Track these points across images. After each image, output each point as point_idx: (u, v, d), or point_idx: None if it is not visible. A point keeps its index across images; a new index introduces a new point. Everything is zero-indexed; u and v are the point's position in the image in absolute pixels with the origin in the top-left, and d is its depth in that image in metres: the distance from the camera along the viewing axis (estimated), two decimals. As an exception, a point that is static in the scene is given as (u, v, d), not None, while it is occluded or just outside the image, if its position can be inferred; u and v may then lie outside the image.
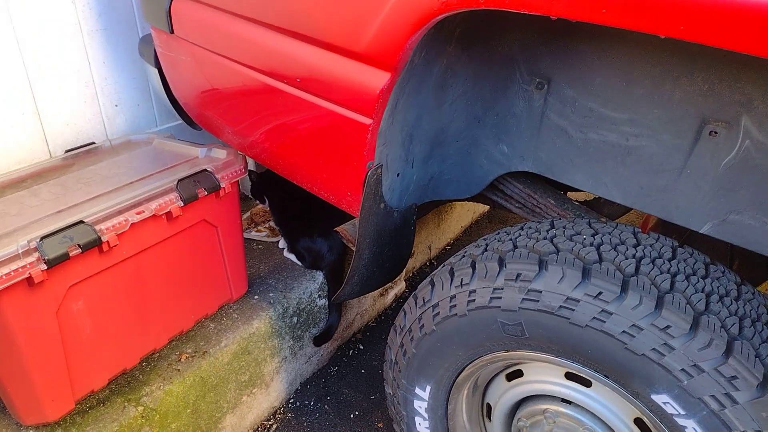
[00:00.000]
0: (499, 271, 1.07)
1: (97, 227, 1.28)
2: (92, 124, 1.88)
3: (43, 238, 1.19)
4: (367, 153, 1.18)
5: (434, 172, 1.47)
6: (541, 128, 1.32)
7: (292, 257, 1.98)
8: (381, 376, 1.99)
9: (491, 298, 1.07)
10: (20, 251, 1.15)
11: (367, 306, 2.21)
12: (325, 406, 1.87)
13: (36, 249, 1.18)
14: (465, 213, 2.90)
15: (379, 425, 1.81)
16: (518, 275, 1.04)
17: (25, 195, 1.44)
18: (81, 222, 1.26)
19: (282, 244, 2.05)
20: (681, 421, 0.92)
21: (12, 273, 1.13)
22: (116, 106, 1.93)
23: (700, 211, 1.14)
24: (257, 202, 2.13)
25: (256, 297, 1.79)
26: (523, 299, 1.03)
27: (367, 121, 1.12)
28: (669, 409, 0.92)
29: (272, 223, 2.15)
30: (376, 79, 1.06)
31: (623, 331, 0.93)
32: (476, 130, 1.42)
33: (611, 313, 0.94)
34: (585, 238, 1.06)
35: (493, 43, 1.27)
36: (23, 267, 1.15)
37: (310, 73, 1.19)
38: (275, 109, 1.33)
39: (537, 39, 1.23)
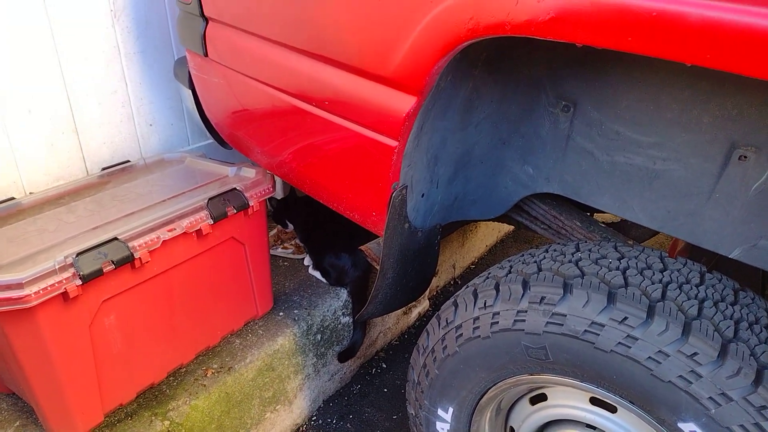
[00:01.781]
0: (523, 294, 1.07)
1: (130, 244, 1.32)
2: (128, 142, 1.95)
3: (78, 254, 1.24)
4: (393, 174, 1.20)
5: (459, 192, 1.48)
6: (566, 150, 1.32)
7: (317, 274, 2.00)
8: (403, 395, 1.98)
9: (515, 320, 1.07)
10: (57, 267, 1.19)
11: (390, 324, 2.21)
12: (348, 425, 1.87)
13: (72, 265, 1.22)
14: (490, 232, 2.89)
15: (401, 446, 1.80)
16: (542, 298, 1.04)
17: (62, 211, 1.50)
18: (115, 239, 1.30)
19: (307, 261, 2.07)
20: (709, 451, 0.90)
21: (49, 288, 1.17)
22: (151, 125, 1.99)
23: (730, 236, 1.13)
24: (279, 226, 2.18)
25: (281, 314, 1.81)
26: (548, 323, 1.02)
27: (393, 143, 1.14)
28: (697, 439, 0.90)
29: (298, 240, 2.18)
30: (403, 102, 1.08)
31: (649, 357, 0.91)
32: (501, 152, 1.43)
33: (637, 339, 0.92)
34: (611, 262, 1.05)
35: (519, 67, 1.28)
36: (59, 282, 1.19)
37: (338, 96, 1.21)
38: (303, 130, 1.36)
39: (563, 62, 1.24)
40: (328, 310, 1.87)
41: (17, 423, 1.40)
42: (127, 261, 1.30)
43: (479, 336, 1.14)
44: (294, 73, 1.30)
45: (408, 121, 1.10)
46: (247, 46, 1.41)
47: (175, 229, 1.40)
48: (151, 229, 1.37)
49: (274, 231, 2.31)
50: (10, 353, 1.26)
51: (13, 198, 1.55)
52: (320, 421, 1.89)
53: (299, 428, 1.86)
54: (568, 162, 1.33)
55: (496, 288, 1.13)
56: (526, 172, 1.43)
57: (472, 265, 2.78)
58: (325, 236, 1.96)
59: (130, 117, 1.93)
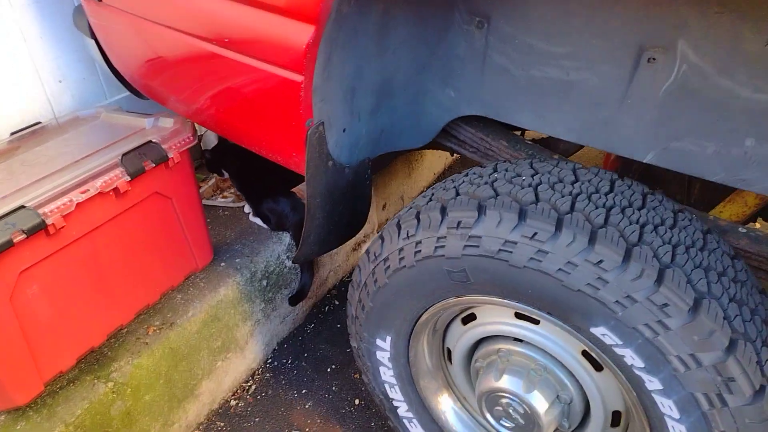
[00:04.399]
0: (442, 220, 1.06)
1: (40, 210, 1.26)
2: (37, 103, 1.83)
3: (-18, 226, 1.17)
4: (304, 111, 1.15)
5: (385, 123, 1.44)
6: (484, 69, 1.29)
7: (258, 221, 1.97)
8: (358, 329, 2.02)
9: (436, 247, 1.07)
10: (-40, 242, 1.14)
11: (340, 262, 2.22)
12: (303, 363, 1.91)
13: (-23, 238, 1.16)
14: (437, 159, 2.88)
15: (355, 376, 1.85)
16: (459, 222, 1.03)
17: (-32, 184, 1.41)
18: (22, 207, 1.24)
19: (247, 209, 2.03)
20: (619, 351, 0.93)
21: (-46, 264, 1.12)
22: (60, 82, 1.87)
23: (643, 141, 1.13)
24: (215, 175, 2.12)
25: (222, 264, 1.79)
26: (465, 246, 1.03)
27: (298, 77, 1.08)
28: (607, 341, 0.94)
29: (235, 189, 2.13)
30: (300, 33, 1.02)
31: (559, 269, 0.93)
32: (422, 77, 1.39)
33: (547, 252, 0.94)
34: (524, 179, 1.05)
35: (425, -17, 1.22)
36: (-35, 257, 1.13)
37: (236, 32, 1.14)
38: (210, 72, 1.29)
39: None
40: (271, 256, 1.86)
41: (-43, 402, 1.38)
42: (39, 228, 1.24)
43: (405, 266, 1.14)
44: (190, 12, 1.22)
45: (310, 53, 1.04)
46: (135, -15, 1.30)
47: (88, 190, 1.34)
48: (63, 193, 1.31)
49: (213, 180, 2.25)
50: (-72, 335, 1.22)
51: None
52: (275, 363, 1.92)
53: (254, 372, 1.89)
54: (487, 81, 1.30)
55: (417, 217, 1.12)
56: (447, 96, 1.39)
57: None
58: (260, 182, 1.91)
59: (35, 75, 1.80)
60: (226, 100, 1.34)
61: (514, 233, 0.96)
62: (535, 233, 0.94)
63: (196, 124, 1.61)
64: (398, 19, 1.27)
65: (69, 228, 1.32)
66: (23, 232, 1.22)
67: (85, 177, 1.36)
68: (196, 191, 1.67)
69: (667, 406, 0.92)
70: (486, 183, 1.08)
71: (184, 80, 1.43)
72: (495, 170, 1.13)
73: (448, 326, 1.31)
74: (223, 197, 2.17)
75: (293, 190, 1.69)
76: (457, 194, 1.09)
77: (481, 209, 1.02)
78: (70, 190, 1.32)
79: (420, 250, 1.10)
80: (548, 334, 1.12)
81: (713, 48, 0.97)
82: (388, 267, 1.18)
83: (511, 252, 0.97)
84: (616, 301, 0.89)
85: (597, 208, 0.95)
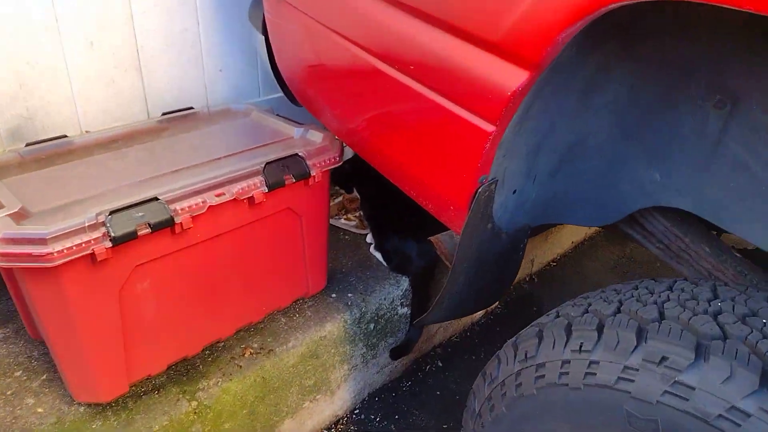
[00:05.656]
0: (636, 347, 0.81)
1: (171, 206, 1.16)
2: (194, 87, 1.80)
3: (112, 212, 1.09)
4: (482, 166, 0.95)
5: (560, 190, 1.22)
6: (713, 159, 1.02)
7: (378, 255, 1.80)
8: (458, 401, 1.78)
9: (619, 378, 0.82)
10: (87, 224, 1.06)
11: (452, 319, 2.00)
12: (392, 426, 1.70)
13: (104, 223, 1.08)
14: (579, 228, 2.58)
15: (448, 461, 1.61)
16: (663, 358, 0.78)
17: (111, 157, 1.37)
18: (155, 199, 1.15)
19: (370, 238, 1.88)
20: None
21: (74, 248, 1.03)
22: (220, 71, 1.83)
23: None
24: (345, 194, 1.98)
25: (333, 295, 1.64)
26: (666, 392, 0.77)
27: (490, 128, 0.89)
28: None
29: (362, 213, 1.99)
30: (509, 78, 0.82)
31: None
32: (623, 148, 1.15)
33: (802, 448, 0.66)
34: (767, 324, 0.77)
35: (667, 42, 0.98)
36: (87, 242, 1.05)
37: (427, 60, 0.97)
38: (380, 97, 1.14)
39: (729, 43, 0.93)
40: (385, 299, 1.68)
41: (44, 376, 1.32)
42: (166, 225, 1.15)
43: (566, 384, 0.90)
44: (378, 27, 1.07)
45: (513, 102, 0.84)
46: (326, -12, 1.18)
47: (224, 194, 1.23)
48: (198, 192, 1.21)
49: (339, 199, 2.13)
50: (33, 310, 1.16)
51: (65, 136, 1.44)
52: (362, 416, 1.73)
53: (339, 420, 1.71)
54: (713, 174, 1.03)
55: (599, 329, 0.87)
56: (650, 178, 1.14)
57: (553, 262, 2.49)
58: (393, 215, 1.74)
59: (199, 59, 1.77)
60: (389, 129, 1.18)
61: (750, 401, 0.69)
62: (790, 416, 0.67)
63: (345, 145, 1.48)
64: (614, 76, 1.05)
65: (195, 230, 1.22)
66: (149, 226, 1.12)
67: (223, 180, 1.26)
68: (327, 214, 1.54)
69: None
70: (706, 312, 0.81)
71: (348, 97, 1.29)
72: (716, 295, 0.86)
73: (595, 465, 1.04)
74: (346, 219, 2.03)
75: (431, 238, 1.50)
76: (662, 317, 0.84)
77: (700, 350, 0.76)
78: (205, 190, 1.22)
79: (594, 374, 0.86)
80: None
81: None
82: (542, 377, 0.94)
83: (738, 425, 0.70)
84: None
85: None
